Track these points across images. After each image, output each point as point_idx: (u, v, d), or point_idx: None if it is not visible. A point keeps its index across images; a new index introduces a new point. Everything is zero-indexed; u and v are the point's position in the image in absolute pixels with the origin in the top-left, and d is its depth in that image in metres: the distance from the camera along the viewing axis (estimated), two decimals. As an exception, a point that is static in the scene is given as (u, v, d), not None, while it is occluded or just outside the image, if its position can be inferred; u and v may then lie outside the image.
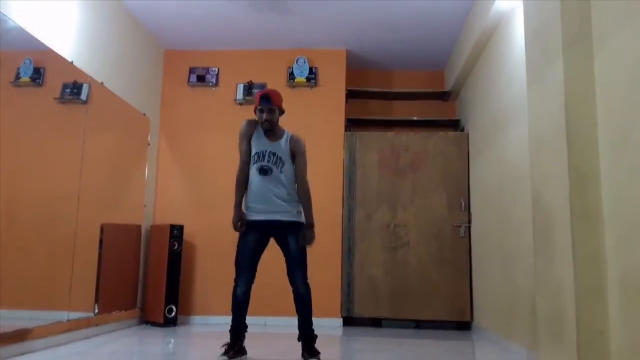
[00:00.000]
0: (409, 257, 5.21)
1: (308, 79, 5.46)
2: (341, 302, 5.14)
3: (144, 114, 5.07)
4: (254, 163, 3.19)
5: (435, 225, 5.24)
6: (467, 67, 5.03)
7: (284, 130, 3.29)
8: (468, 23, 4.75)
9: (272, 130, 3.23)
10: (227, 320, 3.21)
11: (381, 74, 6.02)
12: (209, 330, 4.71)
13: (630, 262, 1.95)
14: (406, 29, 5.02)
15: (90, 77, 4.04)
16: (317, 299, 5.06)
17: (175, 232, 4.83)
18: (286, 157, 3.21)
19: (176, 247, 4.81)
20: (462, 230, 5.19)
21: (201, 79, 5.53)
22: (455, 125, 5.79)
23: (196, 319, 5.10)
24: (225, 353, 3.06)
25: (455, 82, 5.45)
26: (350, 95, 5.73)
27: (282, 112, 3.27)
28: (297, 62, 5.48)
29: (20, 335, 3.15)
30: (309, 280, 3.19)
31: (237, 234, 3.21)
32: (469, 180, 5.25)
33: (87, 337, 3.89)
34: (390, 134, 5.50)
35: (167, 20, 5.01)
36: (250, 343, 3.24)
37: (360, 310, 5.17)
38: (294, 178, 3.24)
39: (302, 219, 3.21)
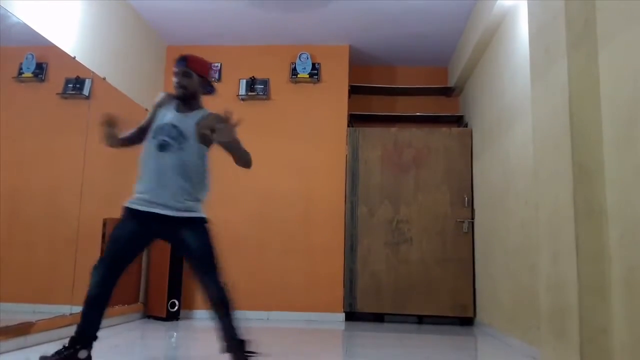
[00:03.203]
0: (412, 253, 5.21)
1: (311, 75, 5.44)
2: (343, 297, 5.14)
3: (147, 110, 5.04)
4: (152, 138, 2.58)
5: (438, 221, 5.23)
6: (471, 63, 5.00)
7: (203, 109, 2.69)
8: (472, 19, 4.73)
9: (186, 101, 2.64)
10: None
11: (384, 70, 6.00)
12: (212, 324, 4.71)
13: (634, 260, 1.94)
14: (409, 24, 5.00)
15: (92, 72, 4.04)
16: (320, 294, 5.16)
17: (178, 227, 4.84)
18: (191, 134, 2.55)
19: (179, 242, 4.81)
20: (465, 226, 5.18)
21: (204, 74, 5.51)
22: (458, 121, 5.77)
23: (199, 313, 5.11)
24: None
25: (458, 78, 5.43)
26: (353, 91, 5.71)
27: (205, 83, 2.72)
28: (299, 58, 5.47)
29: (22, 329, 3.16)
30: (223, 281, 2.54)
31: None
32: (472, 176, 5.24)
33: (90, 332, 3.90)
34: (393, 130, 5.48)
35: (170, 16, 5.00)
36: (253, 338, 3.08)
37: (363, 305, 5.17)
38: (202, 164, 2.61)
39: (202, 214, 2.64)
